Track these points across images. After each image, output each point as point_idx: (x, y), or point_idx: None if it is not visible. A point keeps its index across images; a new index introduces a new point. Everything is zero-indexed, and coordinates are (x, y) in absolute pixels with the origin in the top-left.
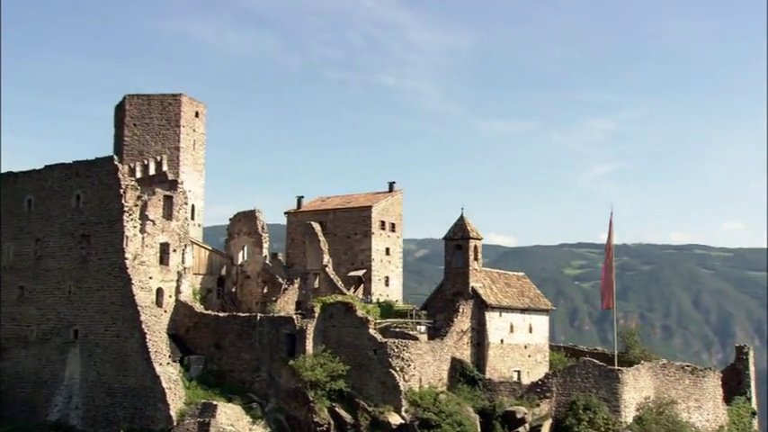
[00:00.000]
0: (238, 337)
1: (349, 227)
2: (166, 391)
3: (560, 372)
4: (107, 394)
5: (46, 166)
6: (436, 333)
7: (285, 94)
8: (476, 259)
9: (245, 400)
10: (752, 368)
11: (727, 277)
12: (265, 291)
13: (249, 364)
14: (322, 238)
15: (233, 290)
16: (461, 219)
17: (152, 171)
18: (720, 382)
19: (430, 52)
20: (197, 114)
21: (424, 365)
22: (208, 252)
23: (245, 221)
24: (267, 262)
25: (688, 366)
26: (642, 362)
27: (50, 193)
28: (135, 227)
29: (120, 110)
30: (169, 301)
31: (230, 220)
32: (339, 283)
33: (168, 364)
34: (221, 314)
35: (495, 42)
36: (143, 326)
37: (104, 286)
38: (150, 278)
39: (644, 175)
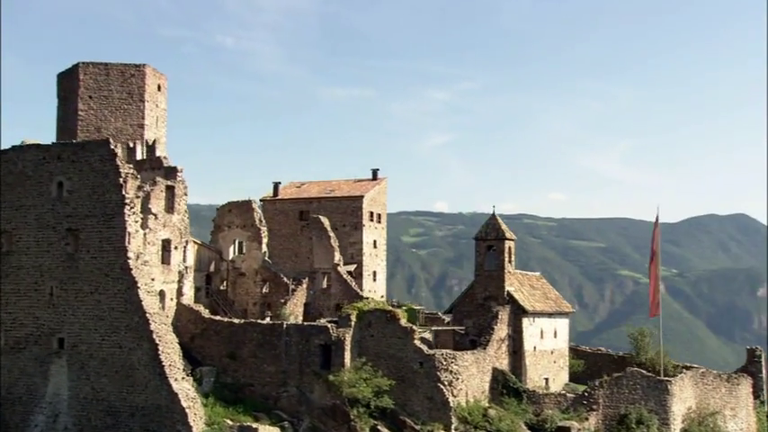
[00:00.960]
0: (259, 346)
1: (336, 218)
2: (187, 410)
3: (607, 383)
4: (107, 413)
5: (13, 146)
6: (461, 340)
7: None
8: (510, 261)
9: (273, 419)
10: (764, 371)
11: (552, 246)
12: (265, 290)
13: (274, 378)
14: (332, 234)
15: (221, 288)
16: (494, 218)
17: (140, 155)
18: (751, 389)
19: (272, 13)
20: (159, 88)
21: (469, 378)
22: (196, 246)
23: (238, 213)
24: (267, 258)
25: (724, 374)
26: (652, 366)
27: (21, 178)
28: (136, 222)
29: (69, 79)
30: (171, 305)
31: (218, 210)
32: (353, 284)
33: (183, 378)
34: (236, 320)
35: (338, 7)
36: (153, 335)
37: (99, 289)
38: (152, 279)
39: (478, 146)
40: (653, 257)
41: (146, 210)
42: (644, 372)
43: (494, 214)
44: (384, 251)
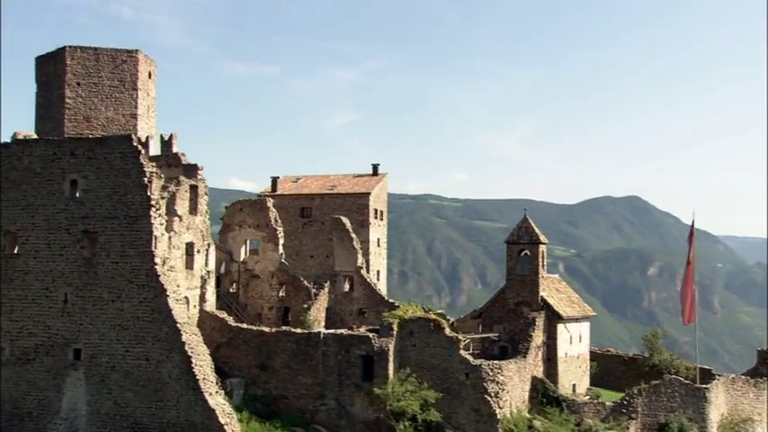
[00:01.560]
0: (293, 356)
1: (340, 215)
2: (225, 427)
3: (645, 390)
4: (132, 430)
5: (16, 140)
6: (490, 347)
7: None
8: (543, 266)
9: None
10: None
11: (457, 226)
12: (282, 294)
13: (310, 390)
14: (354, 236)
15: (231, 290)
16: (526, 221)
17: (152, 150)
18: None
19: None
20: (150, 75)
21: (513, 388)
22: None
23: (251, 211)
24: (284, 260)
25: (751, 380)
26: (666, 368)
27: (27, 175)
28: (162, 224)
29: (52, 64)
30: (194, 312)
31: (227, 208)
32: (377, 288)
33: (217, 392)
34: (266, 329)
35: None
36: (186, 347)
37: (122, 296)
38: (178, 286)
39: (383, 126)
40: (689, 264)
41: (171, 211)
42: (682, 379)
43: (525, 217)
44: (385, 249)
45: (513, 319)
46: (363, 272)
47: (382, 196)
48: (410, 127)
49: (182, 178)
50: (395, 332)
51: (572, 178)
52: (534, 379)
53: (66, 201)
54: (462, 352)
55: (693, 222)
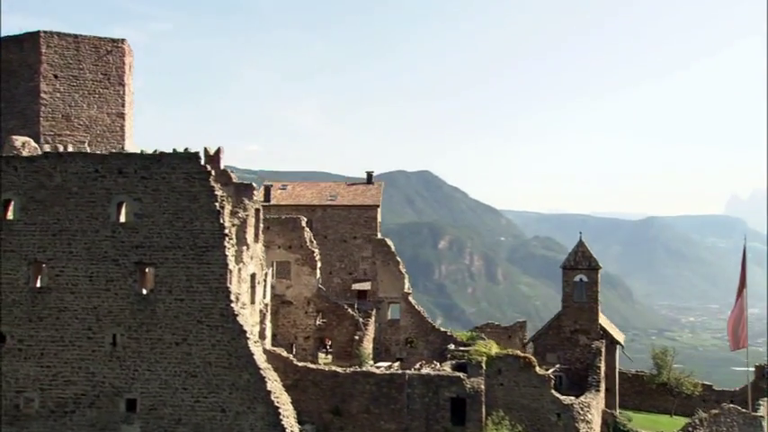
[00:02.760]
0: (374, 400)
1: (345, 228)
2: None
3: (706, 420)
4: None
5: (46, 153)
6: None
7: None
8: (599, 291)
9: None
10: None
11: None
12: (319, 323)
13: None
14: (399, 258)
15: None
16: (582, 245)
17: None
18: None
19: None
20: (130, 67)
21: (596, 426)
22: None
23: (282, 231)
24: (321, 285)
25: None
26: (675, 386)
27: (60, 195)
28: (234, 256)
29: (19, 50)
30: None
31: None
32: (426, 316)
33: None
34: (339, 369)
35: None
36: (271, 397)
37: (189, 339)
38: (252, 326)
39: (169, 93)
40: (742, 287)
41: (240, 240)
42: (739, 408)
43: (581, 241)
44: None
45: (568, 347)
46: (411, 298)
47: (380, 208)
48: (199, 94)
49: (246, 202)
50: (483, 371)
51: (367, 152)
52: (605, 413)
53: (112, 227)
54: (554, 391)
55: (745, 249)
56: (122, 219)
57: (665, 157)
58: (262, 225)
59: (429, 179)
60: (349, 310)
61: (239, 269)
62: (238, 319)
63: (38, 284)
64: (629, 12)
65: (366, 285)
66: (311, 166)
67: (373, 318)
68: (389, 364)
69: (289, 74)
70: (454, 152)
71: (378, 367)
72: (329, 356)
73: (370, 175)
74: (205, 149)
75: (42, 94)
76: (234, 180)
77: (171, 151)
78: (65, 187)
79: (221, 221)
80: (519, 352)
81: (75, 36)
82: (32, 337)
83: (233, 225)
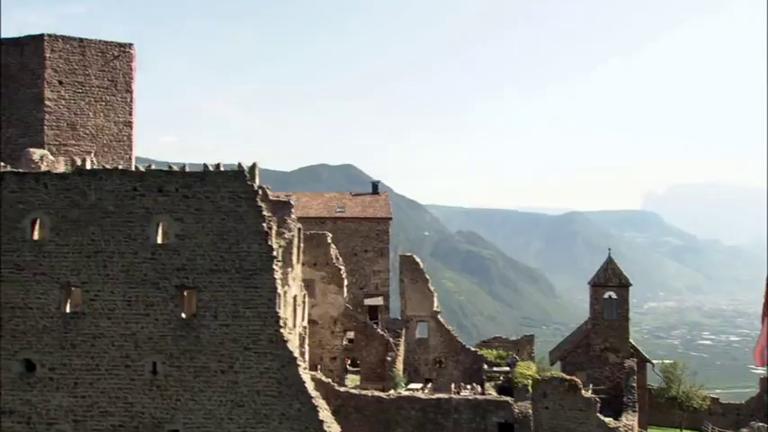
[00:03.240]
0: (419, 426)
1: (356, 241)
2: None
3: None
4: None
5: (79, 169)
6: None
7: None
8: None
9: None
10: None
11: None
12: (346, 342)
13: None
14: (428, 277)
15: None
16: (611, 262)
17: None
18: None
19: None
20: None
21: None
22: None
23: (305, 246)
24: (349, 305)
25: None
26: (685, 400)
27: (96, 214)
28: (281, 279)
29: (18, 54)
30: None
31: None
32: (456, 335)
33: None
34: (383, 394)
35: None
36: (324, 427)
37: (236, 366)
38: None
39: None
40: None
41: (285, 261)
42: (766, 425)
43: (610, 257)
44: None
45: (597, 365)
46: (440, 317)
47: None
48: None
49: (289, 221)
50: (530, 394)
51: (289, 145)
52: None
53: (152, 248)
54: (600, 414)
55: None
56: (162, 239)
57: (586, 152)
58: (302, 245)
59: (352, 173)
60: (378, 329)
61: (284, 292)
62: (288, 345)
63: (67, 309)
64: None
65: (378, 300)
66: (232, 158)
67: (403, 338)
68: (422, 385)
69: (205, 64)
70: (379, 147)
71: (414, 390)
72: (355, 377)
73: (375, 185)
74: (239, 165)
75: (47, 102)
76: (270, 197)
77: (214, 169)
78: (100, 206)
79: (269, 243)
80: (564, 375)
81: (81, 40)
82: (65, 365)
83: (279, 246)
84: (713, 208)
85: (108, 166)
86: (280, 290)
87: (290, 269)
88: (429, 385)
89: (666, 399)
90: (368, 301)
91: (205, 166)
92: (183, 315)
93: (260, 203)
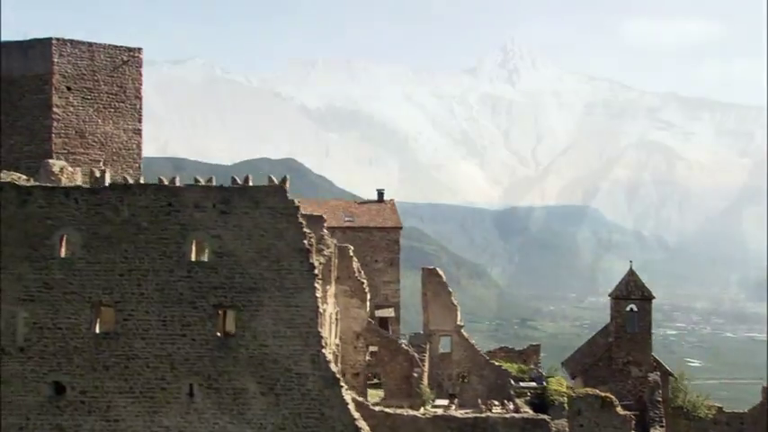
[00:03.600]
0: None
1: (366, 251)
2: None
3: None
4: None
5: (111, 184)
6: None
7: None
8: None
9: None
10: None
11: None
12: (369, 358)
13: None
14: (451, 289)
15: None
16: (632, 274)
17: None
18: None
19: None
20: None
21: None
22: None
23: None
24: (371, 319)
25: None
26: (691, 409)
27: (129, 230)
28: (319, 297)
29: (23, 57)
30: None
31: None
32: (480, 350)
33: None
34: (419, 413)
35: None
36: None
37: (276, 389)
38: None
39: None
40: None
41: (325, 279)
42: None
43: (632, 270)
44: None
45: (619, 379)
46: (464, 331)
47: None
48: None
49: (326, 237)
50: (565, 411)
51: (228, 139)
52: None
53: (188, 266)
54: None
55: None
56: (198, 257)
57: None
58: (337, 261)
59: (294, 167)
60: (403, 344)
61: (323, 311)
62: (331, 366)
63: (96, 329)
64: None
65: (389, 312)
66: (166, 152)
67: (428, 353)
68: (448, 402)
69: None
70: (320, 142)
71: (442, 407)
72: (373, 392)
73: (381, 193)
74: (269, 179)
75: (55, 108)
76: (303, 210)
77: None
78: (133, 222)
79: (311, 261)
80: (599, 391)
81: (90, 44)
82: (97, 388)
83: (320, 263)
84: (654, 204)
85: (132, 181)
86: (321, 308)
87: (328, 286)
88: (456, 401)
89: (673, 408)
90: (378, 313)
91: (233, 179)
92: (221, 335)
93: (301, 220)
